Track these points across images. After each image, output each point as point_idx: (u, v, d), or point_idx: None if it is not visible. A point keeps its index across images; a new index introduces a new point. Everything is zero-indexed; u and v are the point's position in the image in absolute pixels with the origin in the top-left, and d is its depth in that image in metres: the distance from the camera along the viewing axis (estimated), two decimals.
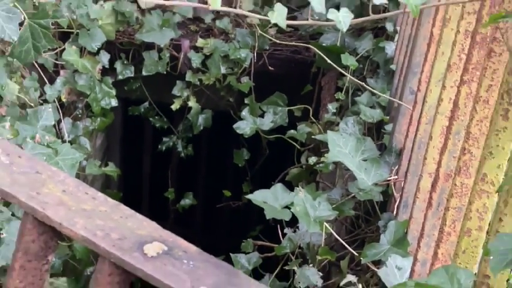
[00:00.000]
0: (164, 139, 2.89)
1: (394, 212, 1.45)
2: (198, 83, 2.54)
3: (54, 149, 1.66)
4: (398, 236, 1.25)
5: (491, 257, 0.51)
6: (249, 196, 1.52)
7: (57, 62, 2.15)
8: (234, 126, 2.39)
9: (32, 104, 1.90)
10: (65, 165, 1.62)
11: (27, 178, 0.53)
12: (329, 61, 2.03)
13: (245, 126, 2.37)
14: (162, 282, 0.41)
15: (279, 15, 0.84)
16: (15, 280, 0.51)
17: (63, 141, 1.94)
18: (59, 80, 2.14)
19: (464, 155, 0.86)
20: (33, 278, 0.52)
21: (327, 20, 0.87)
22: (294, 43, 2.50)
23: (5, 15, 1.44)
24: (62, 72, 2.17)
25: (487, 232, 0.73)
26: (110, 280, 0.46)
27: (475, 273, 0.67)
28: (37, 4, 1.83)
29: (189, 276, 0.42)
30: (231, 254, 1.69)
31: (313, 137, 2.14)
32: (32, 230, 0.49)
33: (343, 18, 0.84)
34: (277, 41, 2.48)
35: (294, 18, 2.45)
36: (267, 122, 2.37)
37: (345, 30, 0.88)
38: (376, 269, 1.27)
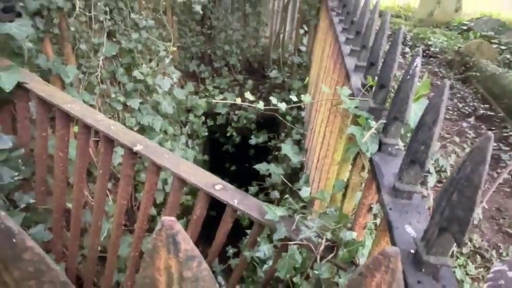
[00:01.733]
0: None
1: (305, 170, 2.52)
2: None
3: None
4: (305, 179, 2.31)
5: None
6: None
7: None
8: None
9: None
10: None
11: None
12: None
13: None
14: (223, 199, 1.35)
15: None
16: None
17: None
18: None
19: (326, 154, 1.88)
20: None
21: None
22: None
23: None
24: None
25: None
26: (203, 199, 1.39)
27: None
28: None
29: (231, 196, 1.36)
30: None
31: None
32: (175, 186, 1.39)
33: None
34: None
35: None
36: None
37: None
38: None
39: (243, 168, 5.05)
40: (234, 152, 4.72)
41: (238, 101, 1.65)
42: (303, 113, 3.85)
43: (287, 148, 3.33)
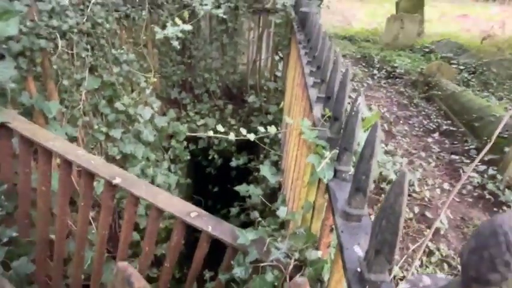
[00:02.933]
0: None
1: (282, 190, 2.60)
2: None
3: None
4: (282, 199, 2.39)
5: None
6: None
7: None
8: None
9: None
10: None
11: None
12: None
13: None
14: (197, 225, 1.40)
15: None
16: None
17: None
18: None
19: (298, 176, 1.96)
20: None
21: None
22: None
23: None
24: None
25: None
26: (179, 227, 1.44)
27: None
28: None
29: (206, 222, 1.41)
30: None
31: None
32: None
33: None
34: None
35: None
36: None
37: None
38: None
39: (225, 189, 5.09)
40: (216, 174, 4.76)
41: (211, 133, 1.71)
42: (280, 135, 3.96)
43: (265, 169, 3.41)
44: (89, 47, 2.63)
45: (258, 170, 4.07)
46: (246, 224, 3.54)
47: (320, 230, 1.30)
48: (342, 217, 0.97)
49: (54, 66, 2.30)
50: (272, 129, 1.68)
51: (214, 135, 1.77)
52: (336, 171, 1.12)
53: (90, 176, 1.48)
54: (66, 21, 2.35)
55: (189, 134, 3.66)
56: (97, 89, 2.79)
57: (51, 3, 2.28)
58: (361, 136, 1.32)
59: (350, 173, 1.11)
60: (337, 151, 1.13)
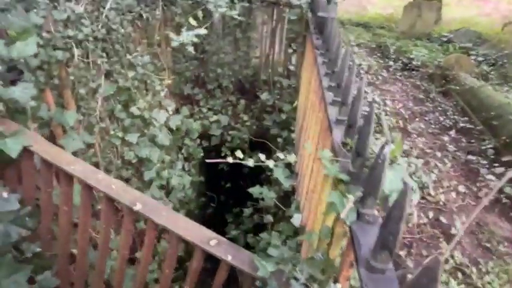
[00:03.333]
0: None
1: (296, 196, 2.60)
2: None
3: None
4: (296, 205, 2.40)
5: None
6: None
7: None
8: None
9: None
10: None
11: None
12: None
13: None
14: (218, 255, 1.41)
15: None
16: None
17: None
18: None
19: (313, 189, 1.95)
20: None
21: None
22: None
23: None
24: None
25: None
26: (199, 255, 1.45)
27: None
28: None
29: (225, 251, 1.42)
30: None
31: None
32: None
33: None
34: None
35: None
36: None
37: None
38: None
39: (238, 185, 5.13)
40: (228, 171, 4.78)
41: (230, 160, 1.71)
42: (293, 135, 3.93)
43: (278, 172, 3.40)
44: (104, 53, 2.62)
45: (271, 169, 4.07)
46: (259, 226, 3.57)
47: (340, 263, 1.30)
48: (366, 268, 0.97)
49: (71, 77, 2.31)
50: (291, 158, 1.66)
51: (233, 161, 1.76)
52: (359, 213, 1.11)
53: (111, 200, 1.50)
54: (82, 30, 2.33)
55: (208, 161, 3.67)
56: (112, 95, 2.79)
57: (67, 11, 2.26)
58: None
59: (374, 215, 1.10)
60: (361, 193, 1.11)
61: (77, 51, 2.34)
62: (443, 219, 3.23)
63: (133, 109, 2.89)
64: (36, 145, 1.59)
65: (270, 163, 1.66)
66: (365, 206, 1.10)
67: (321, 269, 1.48)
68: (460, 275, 2.76)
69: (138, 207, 1.44)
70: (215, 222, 4.86)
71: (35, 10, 2.02)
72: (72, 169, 1.52)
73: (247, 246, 3.53)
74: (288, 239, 2.78)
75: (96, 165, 2.78)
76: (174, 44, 2.47)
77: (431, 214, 3.27)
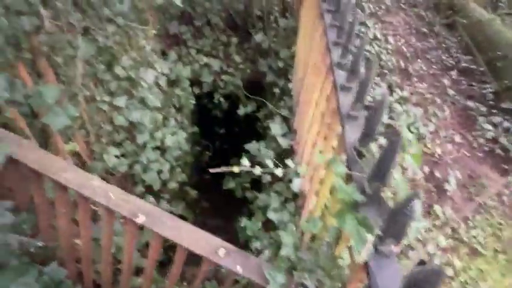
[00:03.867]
0: None
1: (295, 157, 2.58)
2: None
3: None
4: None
5: None
6: None
7: None
8: None
9: None
10: None
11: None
12: None
13: None
14: (227, 267, 1.40)
15: None
16: None
17: None
18: None
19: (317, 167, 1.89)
20: None
21: None
22: None
23: None
24: None
25: None
26: (207, 266, 1.44)
27: None
28: None
29: (234, 261, 1.41)
30: None
31: None
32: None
33: None
34: None
35: None
36: None
37: None
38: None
39: (233, 131, 5.04)
40: (222, 117, 4.65)
41: (236, 169, 1.59)
42: (290, 85, 3.72)
43: (276, 128, 3.31)
44: (77, 10, 2.26)
45: (267, 118, 3.94)
46: (257, 183, 3.58)
47: (348, 280, 1.31)
48: None
49: (45, 48, 2.01)
50: (303, 168, 1.54)
51: (238, 168, 1.64)
52: (376, 249, 1.07)
53: (110, 211, 1.42)
54: None
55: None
56: (93, 56, 2.50)
57: None
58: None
59: (392, 250, 1.06)
60: (380, 234, 1.05)
61: (45, 14, 2.00)
62: (437, 173, 3.29)
63: (118, 69, 2.63)
64: (20, 150, 1.44)
65: (263, 76, 1.55)
66: (383, 243, 1.05)
67: (323, 265, 1.50)
68: (449, 230, 2.92)
69: (141, 219, 1.38)
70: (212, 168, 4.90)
71: None
72: (64, 178, 1.40)
73: (245, 200, 3.61)
74: (286, 201, 2.82)
75: (87, 134, 2.63)
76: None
77: (426, 168, 3.32)
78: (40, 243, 1.74)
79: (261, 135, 4.50)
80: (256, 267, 1.38)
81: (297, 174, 2.83)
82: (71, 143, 2.34)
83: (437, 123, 3.82)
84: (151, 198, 3.10)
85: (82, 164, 2.68)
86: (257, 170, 1.76)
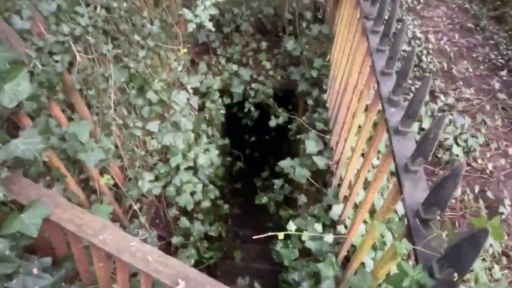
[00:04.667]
0: None
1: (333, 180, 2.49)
2: None
3: None
4: (334, 194, 2.40)
5: None
6: None
7: None
8: None
9: None
10: None
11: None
12: None
13: None
14: None
15: None
16: None
17: None
18: None
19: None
20: None
21: None
22: None
23: None
24: None
25: None
26: None
27: None
28: None
29: None
30: None
31: None
32: None
33: None
34: None
35: None
36: None
37: None
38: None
39: (263, 140, 4.92)
40: (252, 126, 4.53)
41: (281, 236, 1.47)
42: (325, 96, 3.53)
43: (311, 145, 3.14)
44: (108, 39, 2.19)
45: (299, 132, 3.76)
46: (290, 200, 3.45)
47: None
48: None
49: (77, 86, 1.96)
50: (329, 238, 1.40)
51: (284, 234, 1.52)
52: None
53: (148, 276, 1.35)
54: (79, 22, 1.89)
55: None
56: (124, 81, 2.44)
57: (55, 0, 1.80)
58: None
59: None
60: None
61: (75, 49, 1.94)
62: (489, 193, 3.02)
63: (150, 94, 2.56)
64: (56, 210, 1.39)
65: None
66: None
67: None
68: (504, 259, 2.67)
69: (180, 286, 1.29)
70: (242, 179, 4.82)
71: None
72: (101, 242, 1.34)
73: (279, 218, 3.50)
74: (325, 228, 2.68)
75: (121, 160, 2.60)
76: (191, 26, 2.02)
77: (476, 187, 3.06)
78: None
79: (293, 143, 4.35)
80: None
81: (335, 199, 2.68)
82: (105, 175, 2.30)
83: (487, 133, 3.51)
84: (185, 220, 3.06)
85: (117, 191, 2.66)
86: (305, 236, 1.61)
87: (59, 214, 1.39)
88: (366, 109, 2.72)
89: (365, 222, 2.43)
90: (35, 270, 1.36)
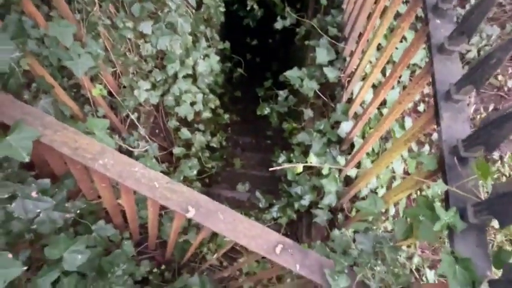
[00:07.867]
0: None
1: (343, 95, 2.35)
2: None
3: None
4: (344, 109, 2.54)
5: None
6: None
7: None
8: None
9: None
10: None
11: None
12: None
13: None
14: (284, 264, 1.28)
15: None
16: None
17: None
18: None
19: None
20: None
21: None
22: None
23: None
24: None
25: None
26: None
27: None
28: None
29: (293, 259, 1.29)
30: None
31: None
32: None
33: None
34: None
35: None
36: None
37: None
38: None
39: (266, 43, 4.51)
40: (255, 27, 4.10)
41: (300, 169, 1.32)
42: None
43: (321, 53, 2.86)
44: None
45: (307, 37, 3.39)
46: (294, 113, 3.29)
47: None
48: None
49: None
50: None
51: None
52: None
53: (156, 203, 1.27)
54: None
55: None
56: None
57: None
58: None
59: None
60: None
61: None
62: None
63: None
64: (46, 131, 1.23)
65: None
66: None
67: (386, 260, 1.39)
68: None
69: (191, 213, 1.23)
70: (243, 84, 4.56)
71: None
72: (102, 166, 1.22)
73: (282, 131, 3.40)
74: (330, 144, 2.60)
75: (113, 66, 2.34)
76: None
77: (491, 106, 2.92)
78: (83, 205, 1.68)
79: (299, 49, 4.01)
80: (317, 265, 1.27)
81: (344, 116, 2.55)
82: (98, 85, 2.08)
83: None
84: (186, 131, 2.96)
85: (112, 99, 2.47)
86: (326, 169, 1.49)
87: (50, 136, 1.23)
88: (396, 16, 2.40)
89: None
90: (34, 194, 1.27)
